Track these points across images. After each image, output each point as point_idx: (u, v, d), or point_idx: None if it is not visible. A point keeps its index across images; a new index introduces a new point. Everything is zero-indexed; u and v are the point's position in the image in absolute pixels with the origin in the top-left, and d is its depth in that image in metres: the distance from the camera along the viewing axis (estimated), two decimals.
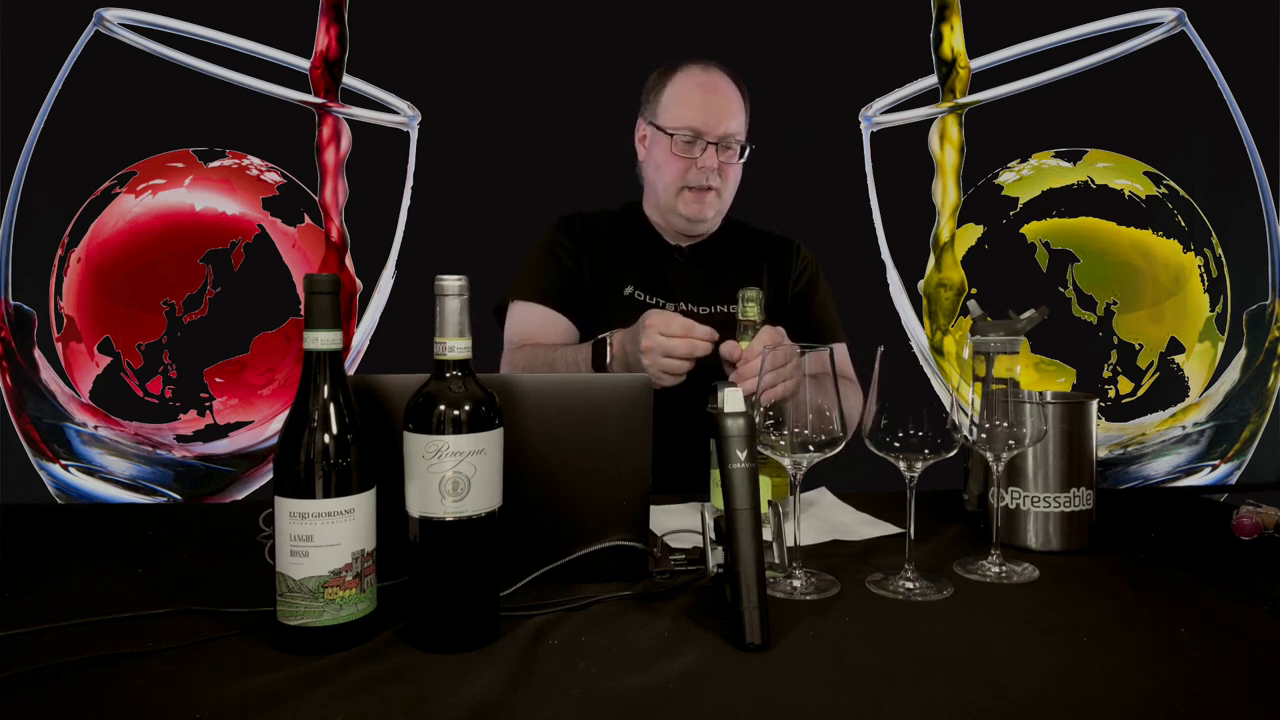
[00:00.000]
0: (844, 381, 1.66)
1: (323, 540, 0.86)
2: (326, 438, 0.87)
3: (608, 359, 1.48)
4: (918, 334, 2.87)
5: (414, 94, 2.79)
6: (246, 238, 2.75)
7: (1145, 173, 2.85)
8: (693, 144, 1.69)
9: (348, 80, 2.78)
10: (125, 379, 2.71)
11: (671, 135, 1.71)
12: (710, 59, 1.76)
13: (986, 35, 2.84)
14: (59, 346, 2.71)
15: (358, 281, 2.79)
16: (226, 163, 2.76)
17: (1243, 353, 2.86)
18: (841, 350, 1.80)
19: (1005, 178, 2.86)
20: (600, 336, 1.51)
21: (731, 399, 0.94)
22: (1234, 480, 2.85)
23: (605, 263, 1.78)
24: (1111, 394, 2.83)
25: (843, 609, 0.99)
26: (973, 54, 2.85)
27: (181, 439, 2.72)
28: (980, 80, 2.85)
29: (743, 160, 1.75)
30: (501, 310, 1.80)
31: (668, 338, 1.35)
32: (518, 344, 1.73)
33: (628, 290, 1.75)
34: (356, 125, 2.79)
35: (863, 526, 1.32)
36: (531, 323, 1.74)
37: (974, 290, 2.83)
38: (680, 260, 1.80)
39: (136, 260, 2.72)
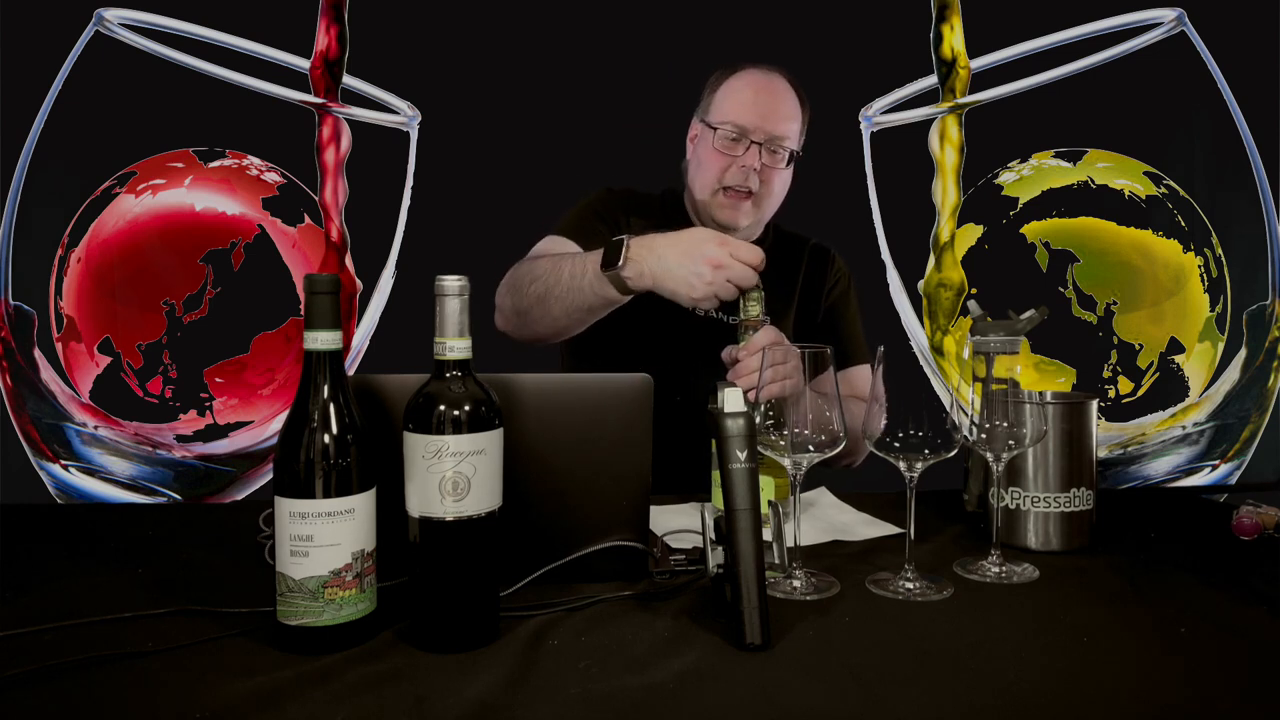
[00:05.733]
0: (856, 401, 1.64)
1: (323, 540, 0.86)
2: (326, 438, 0.87)
3: (620, 262, 1.34)
4: (918, 334, 2.87)
5: (414, 94, 2.79)
6: (246, 238, 2.75)
7: (1145, 173, 2.84)
8: (738, 141, 1.65)
9: (348, 80, 2.78)
10: (125, 379, 2.70)
11: (716, 129, 1.67)
12: (771, 63, 1.71)
13: (986, 35, 2.84)
14: (59, 346, 2.70)
15: (358, 281, 2.79)
16: (226, 163, 2.76)
17: (1243, 353, 2.86)
18: (865, 371, 1.76)
19: (1005, 178, 2.86)
20: (617, 238, 1.37)
21: (731, 399, 0.94)
22: (1234, 480, 2.85)
23: None
24: (1111, 394, 2.83)
25: (843, 609, 0.99)
26: (973, 54, 2.84)
27: (181, 439, 2.72)
28: (980, 80, 2.85)
29: (789, 168, 1.69)
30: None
31: (741, 264, 1.28)
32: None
33: None
34: (356, 125, 2.79)
35: (863, 526, 1.32)
36: (552, 249, 1.60)
37: (974, 290, 2.83)
38: None
39: (136, 260, 2.72)
